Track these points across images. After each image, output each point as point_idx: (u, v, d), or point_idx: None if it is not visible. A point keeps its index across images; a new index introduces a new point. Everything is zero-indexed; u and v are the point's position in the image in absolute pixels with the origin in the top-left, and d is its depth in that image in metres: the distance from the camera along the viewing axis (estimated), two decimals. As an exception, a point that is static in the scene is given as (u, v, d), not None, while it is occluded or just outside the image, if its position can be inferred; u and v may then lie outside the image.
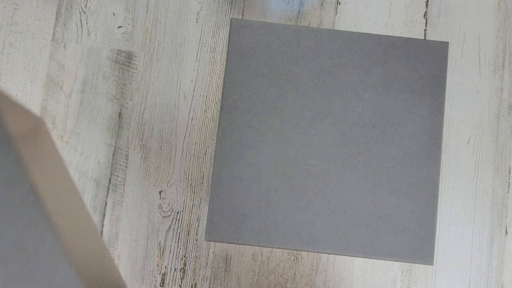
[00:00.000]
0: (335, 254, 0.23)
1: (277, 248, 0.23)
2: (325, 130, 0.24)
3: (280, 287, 0.35)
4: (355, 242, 0.22)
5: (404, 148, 0.23)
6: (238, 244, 0.23)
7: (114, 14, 0.38)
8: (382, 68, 0.24)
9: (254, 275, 0.35)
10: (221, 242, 0.23)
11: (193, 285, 0.35)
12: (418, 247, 0.22)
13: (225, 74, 0.23)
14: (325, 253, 0.23)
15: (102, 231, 0.36)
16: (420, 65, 0.24)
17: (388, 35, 0.24)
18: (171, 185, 0.36)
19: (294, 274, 0.35)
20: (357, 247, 0.22)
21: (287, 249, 0.23)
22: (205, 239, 0.22)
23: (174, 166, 0.37)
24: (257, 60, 0.24)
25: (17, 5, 0.38)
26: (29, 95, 0.37)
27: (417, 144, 0.23)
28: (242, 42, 0.23)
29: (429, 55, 0.24)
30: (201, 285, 0.35)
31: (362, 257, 0.23)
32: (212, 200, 0.23)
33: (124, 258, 0.35)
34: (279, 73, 0.24)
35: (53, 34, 0.38)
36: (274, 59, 0.24)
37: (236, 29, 0.24)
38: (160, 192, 0.36)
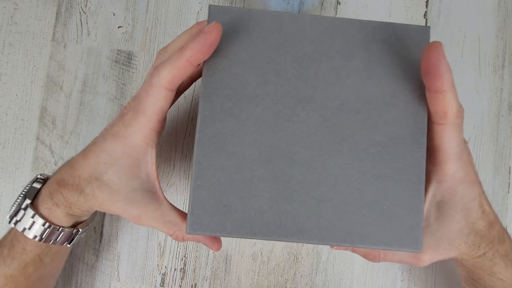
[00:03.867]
0: (321, 244, 0.22)
1: (260, 239, 0.22)
2: (308, 116, 0.23)
3: (280, 287, 0.35)
4: (341, 230, 0.22)
5: (388, 134, 0.23)
6: (221, 236, 0.22)
7: (114, 14, 0.38)
8: (365, 53, 0.23)
9: (254, 275, 0.35)
10: (204, 234, 0.22)
11: (193, 285, 0.35)
12: (406, 233, 0.22)
13: (204, 62, 0.23)
14: (310, 243, 0.22)
15: (102, 231, 0.36)
16: (402, 50, 0.23)
17: (370, 20, 0.24)
18: (171, 185, 0.36)
19: (294, 274, 0.35)
20: (343, 235, 0.22)
21: (271, 240, 0.22)
22: (186, 232, 0.22)
23: (174, 166, 0.37)
24: (237, 47, 0.23)
25: (17, 5, 0.38)
26: (29, 95, 0.37)
27: (401, 129, 0.23)
28: (224, 27, 0.23)
29: (411, 39, 0.23)
30: (201, 285, 0.35)
31: (349, 246, 0.22)
32: (193, 192, 0.22)
33: (124, 258, 0.35)
34: (260, 60, 0.23)
35: (53, 34, 0.38)
36: (254, 45, 0.23)
37: (215, 15, 0.23)
38: (160, 192, 0.36)
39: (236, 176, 0.22)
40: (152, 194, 0.25)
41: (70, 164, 0.26)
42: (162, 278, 0.35)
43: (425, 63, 0.21)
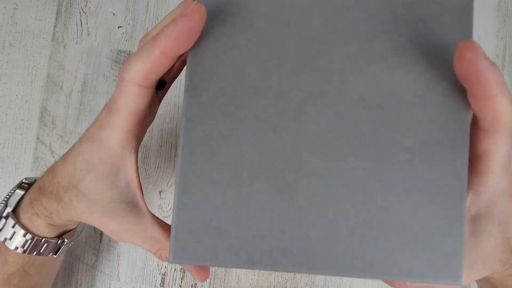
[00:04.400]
0: (337, 276, 0.17)
1: (262, 270, 0.18)
2: (319, 115, 0.18)
3: (280, 287, 0.35)
4: (361, 259, 0.17)
5: (421, 136, 0.18)
6: (212, 266, 0.18)
7: (114, 14, 0.38)
8: (391, 34, 0.18)
9: (254, 275, 0.35)
10: (190, 264, 0.18)
11: (193, 285, 0.35)
12: (443, 263, 0.17)
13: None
14: (324, 274, 0.18)
15: (102, 231, 0.36)
16: (440, 29, 0.18)
17: None
18: (171, 185, 0.36)
19: (294, 274, 0.35)
20: (365, 265, 0.17)
21: (275, 270, 0.18)
22: (169, 262, 0.18)
23: (174, 166, 0.37)
24: (231, 27, 0.18)
25: (17, 5, 0.38)
26: (29, 95, 0.37)
27: (438, 131, 0.18)
28: (212, 3, 0.18)
29: (450, 15, 0.19)
30: (201, 285, 0.35)
31: (372, 278, 0.17)
32: (177, 211, 0.18)
33: (124, 258, 0.35)
34: (259, 44, 0.18)
35: (53, 34, 0.38)
36: (252, 25, 0.18)
37: None
38: (160, 192, 0.36)
39: (230, 190, 0.18)
40: (132, 206, 0.22)
41: (51, 169, 0.24)
42: (162, 278, 0.35)
43: (460, 68, 0.17)
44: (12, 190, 0.25)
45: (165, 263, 0.35)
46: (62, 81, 0.37)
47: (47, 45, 0.38)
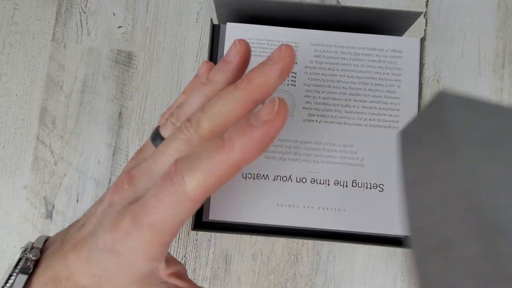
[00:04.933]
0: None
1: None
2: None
3: (280, 287, 0.35)
4: None
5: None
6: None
7: (114, 14, 0.38)
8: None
9: (254, 275, 0.35)
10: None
11: (193, 285, 0.35)
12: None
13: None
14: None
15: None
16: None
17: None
18: (171, 185, 0.36)
19: (294, 274, 0.35)
20: None
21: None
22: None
23: (174, 166, 0.37)
24: None
25: (17, 5, 0.38)
26: (29, 95, 0.37)
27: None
28: None
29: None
30: (201, 285, 0.35)
31: None
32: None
33: (124, 258, 0.35)
34: None
35: (53, 34, 0.38)
36: None
37: None
38: (160, 192, 0.36)
39: None
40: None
41: (62, 258, 0.20)
42: (162, 278, 0.35)
43: None
44: (14, 274, 0.21)
45: (165, 263, 0.35)
46: (62, 81, 0.37)
47: (47, 45, 0.38)
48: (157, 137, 0.20)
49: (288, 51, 0.17)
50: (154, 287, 0.19)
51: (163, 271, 0.19)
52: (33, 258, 0.21)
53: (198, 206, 0.17)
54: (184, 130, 0.18)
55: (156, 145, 0.20)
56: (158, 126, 0.21)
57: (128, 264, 0.18)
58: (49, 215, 0.36)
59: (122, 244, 0.18)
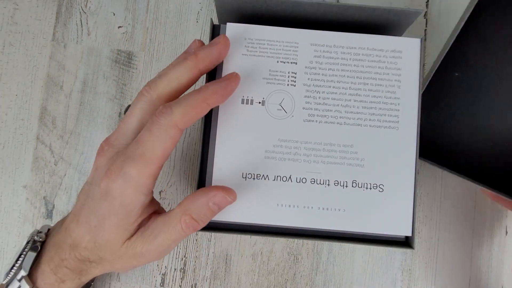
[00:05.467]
0: None
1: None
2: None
3: (280, 287, 0.35)
4: None
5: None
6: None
7: (114, 14, 0.38)
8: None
9: (254, 275, 0.35)
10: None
11: (193, 285, 0.35)
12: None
13: None
14: None
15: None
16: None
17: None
18: (171, 185, 0.36)
19: (294, 274, 0.35)
20: None
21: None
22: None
23: (174, 166, 0.37)
24: None
25: (17, 5, 0.38)
26: (29, 95, 0.37)
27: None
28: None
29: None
30: (201, 285, 0.35)
31: None
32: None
33: (124, 258, 0.35)
34: None
35: (53, 34, 0.38)
36: None
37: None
38: (160, 192, 0.36)
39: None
40: (147, 223, 0.24)
41: (65, 228, 0.25)
42: (162, 278, 0.35)
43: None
44: (24, 252, 0.25)
45: (165, 263, 0.35)
46: (62, 81, 0.37)
47: (47, 45, 0.38)
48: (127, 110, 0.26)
49: (224, 38, 0.24)
50: (135, 223, 0.23)
51: (144, 204, 0.23)
52: (40, 239, 0.26)
53: (180, 135, 0.22)
54: (144, 92, 0.23)
55: None
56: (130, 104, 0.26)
57: (120, 203, 0.22)
58: (49, 215, 0.36)
59: (114, 183, 0.22)
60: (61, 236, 0.25)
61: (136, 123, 0.23)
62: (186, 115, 0.21)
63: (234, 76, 0.24)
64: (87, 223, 0.23)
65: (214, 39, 0.25)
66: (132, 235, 0.23)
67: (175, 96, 0.23)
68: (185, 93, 0.24)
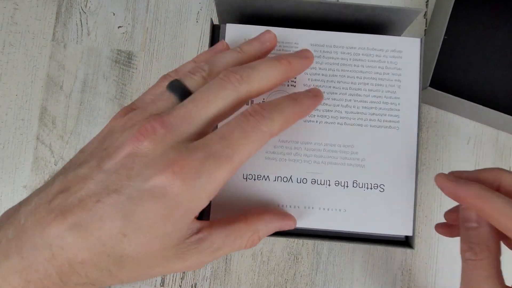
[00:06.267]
0: None
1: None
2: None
3: (280, 287, 0.35)
4: None
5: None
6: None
7: (114, 14, 0.38)
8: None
9: (254, 275, 0.35)
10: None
11: (193, 285, 0.35)
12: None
13: None
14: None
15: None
16: None
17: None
18: (171, 185, 0.36)
19: (294, 274, 0.35)
20: None
21: None
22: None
23: (174, 166, 0.37)
24: None
25: (17, 5, 0.38)
26: (29, 95, 0.37)
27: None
28: None
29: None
30: (201, 285, 0.35)
31: None
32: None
33: (124, 258, 0.35)
34: None
35: (53, 34, 0.38)
36: None
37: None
38: (160, 192, 0.36)
39: None
40: (198, 233, 0.20)
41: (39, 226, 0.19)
42: (162, 278, 0.35)
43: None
44: None
45: (165, 263, 0.35)
46: (62, 81, 0.37)
47: (47, 45, 0.38)
48: (178, 88, 0.21)
49: (311, 53, 0.23)
50: (187, 234, 0.19)
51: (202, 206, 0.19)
52: None
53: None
54: (233, 81, 0.20)
55: (178, 96, 0.21)
56: (175, 79, 0.21)
57: (186, 208, 0.18)
58: (49, 215, 0.36)
59: (185, 183, 0.17)
60: (35, 238, 0.18)
61: (214, 112, 0.19)
62: (283, 126, 0.20)
63: (322, 94, 0.23)
64: (109, 229, 0.17)
65: (303, 52, 0.24)
66: (174, 246, 0.18)
67: (256, 96, 0.21)
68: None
